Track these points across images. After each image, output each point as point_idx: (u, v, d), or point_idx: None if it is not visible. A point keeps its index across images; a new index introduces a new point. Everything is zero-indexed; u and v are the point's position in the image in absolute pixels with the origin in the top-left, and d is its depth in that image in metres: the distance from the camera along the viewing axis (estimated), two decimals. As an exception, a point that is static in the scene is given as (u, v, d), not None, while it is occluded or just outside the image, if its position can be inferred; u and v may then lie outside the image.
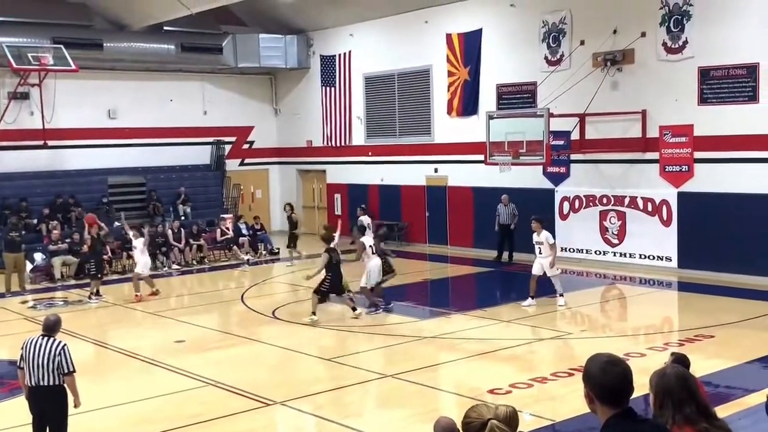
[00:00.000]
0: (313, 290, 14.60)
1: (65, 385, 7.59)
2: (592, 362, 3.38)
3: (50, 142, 23.90)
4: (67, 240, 20.80)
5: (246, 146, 28.56)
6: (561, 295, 15.03)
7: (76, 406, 7.72)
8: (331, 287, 14.47)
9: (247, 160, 28.56)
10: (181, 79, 26.68)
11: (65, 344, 7.62)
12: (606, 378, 3.30)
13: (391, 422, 9.33)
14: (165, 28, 24.97)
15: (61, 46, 22.40)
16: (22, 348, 7.60)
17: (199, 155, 26.95)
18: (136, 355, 12.54)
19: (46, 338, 7.58)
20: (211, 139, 27.08)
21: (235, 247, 22.91)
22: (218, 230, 23.28)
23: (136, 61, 25.14)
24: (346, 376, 11.29)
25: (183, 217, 24.17)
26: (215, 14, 24.46)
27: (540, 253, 15.00)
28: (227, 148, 27.56)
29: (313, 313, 14.32)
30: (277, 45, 27.00)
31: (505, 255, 20.67)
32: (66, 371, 7.49)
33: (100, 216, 22.38)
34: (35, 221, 22.10)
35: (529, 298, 15.07)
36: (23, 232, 20.25)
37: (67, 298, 18.00)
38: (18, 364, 7.63)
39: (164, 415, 9.73)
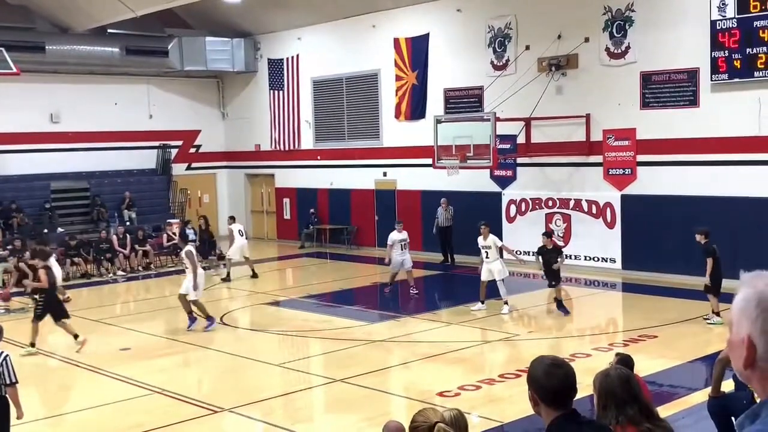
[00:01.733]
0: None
1: (7, 396, 7.41)
2: (535, 365, 3.42)
3: (-10, 147, 23.35)
4: (9, 247, 20.32)
5: (193, 150, 28.26)
6: (506, 302, 15.10)
7: (18, 417, 7.56)
8: (45, 308, 12.85)
9: (194, 165, 28.26)
10: (126, 82, 26.27)
11: (7, 354, 7.45)
12: (549, 381, 3.34)
13: (341, 427, 9.33)
14: (109, 30, 24.55)
15: (2, 49, 21.81)
16: None
17: (145, 159, 26.58)
18: (80, 364, 12.31)
19: None
20: (157, 143, 26.72)
21: (182, 253, 22.61)
22: (165, 235, 22.98)
23: (80, 64, 24.68)
24: (296, 382, 11.25)
25: (128, 223, 23.80)
26: (160, 17, 24.14)
27: (487, 257, 15.06)
28: (174, 152, 27.23)
29: (32, 344, 12.79)
30: (224, 48, 26.78)
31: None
32: (8, 382, 7.32)
33: (43, 222, 22.00)
34: (-25, 228, 21.57)
35: (479, 303, 15.15)
36: (-38, 239, 19.75)
37: (9, 306, 17.57)
38: None
39: (109, 425, 9.57)
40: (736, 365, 1.97)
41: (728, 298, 2.15)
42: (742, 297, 1.96)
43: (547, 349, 12.17)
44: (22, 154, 24.10)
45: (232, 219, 21.19)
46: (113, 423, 9.67)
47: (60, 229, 22.87)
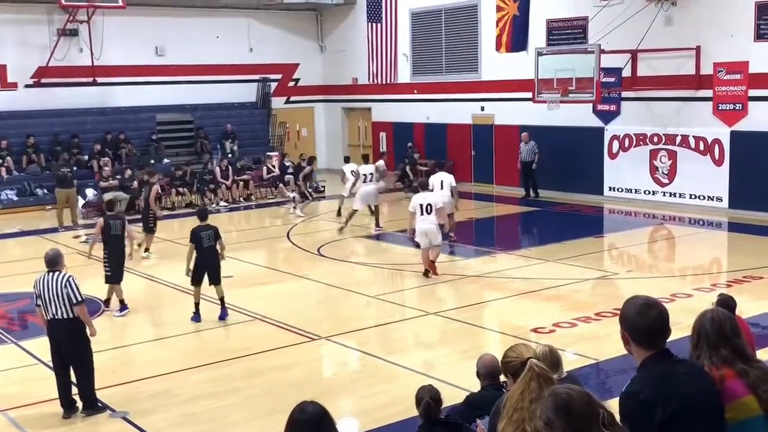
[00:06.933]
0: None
1: (78, 316, 7.76)
2: (628, 305, 3.41)
3: (99, 79, 24.13)
4: (118, 176, 21.15)
5: (292, 84, 28.49)
6: None
7: (92, 335, 7.91)
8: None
9: (292, 98, 28.53)
10: (227, 15, 26.56)
11: (71, 276, 7.81)
12: (641, 320, 3.32)
13: (435, 359, 9.43)
14: (211, -37, 24.85)
15: (108, -18, 22.43)
16: (35, 286, 7.79)
17: (246, 93, 26.98)
18: (185, 290, 12.79)
19: (51, 273, 7.76)
20: (257, 77, 27.05)
21: (281, 185, 23.05)
22: (264, 168, 23.43)
23: (183, -3, 25.09)
24: (391, 313, 11.42)
25: (230, 155, 24.34)
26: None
27: None
28: (273, 85, 27.52)
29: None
30: (323, -20, 26.67)
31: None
32: (75, 302, 7.68)
33: (150, 153, 22.70)
34: (86, 157, 22.48)
35: None
36: (75, 168, 20.62)
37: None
38: (35, 302, 7.81)
39: (211, 348, 9.97)
40: None
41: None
42: None
43: (646, 288, 11.92)
44: (129, 87, 24.83)
45: (346, 159, 20.62)
46: (216, 346, 10.08)
47: (166, 160, 23.61)
